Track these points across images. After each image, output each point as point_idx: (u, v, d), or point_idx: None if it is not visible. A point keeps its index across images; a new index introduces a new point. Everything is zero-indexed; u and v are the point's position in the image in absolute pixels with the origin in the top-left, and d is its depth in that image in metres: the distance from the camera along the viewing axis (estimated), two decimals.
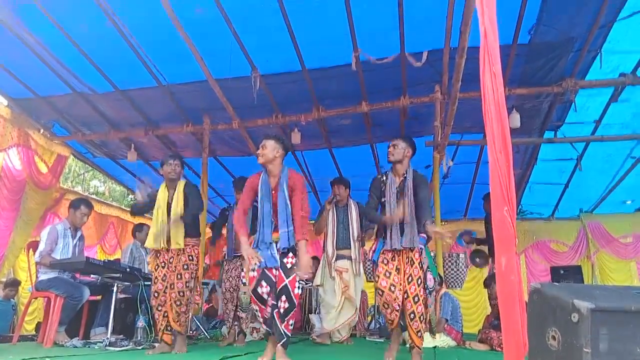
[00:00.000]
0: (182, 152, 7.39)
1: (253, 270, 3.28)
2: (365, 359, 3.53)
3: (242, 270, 3.97)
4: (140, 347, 4.06)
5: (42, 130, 6.63)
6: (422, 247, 3.38)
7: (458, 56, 3.80)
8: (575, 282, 6.27)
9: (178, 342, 3.80)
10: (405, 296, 3.22)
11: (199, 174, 6.87)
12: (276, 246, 3.32)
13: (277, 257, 3.27)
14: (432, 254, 5.01)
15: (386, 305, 3.27)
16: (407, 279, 3.24)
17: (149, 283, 4.42)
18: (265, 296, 3.22)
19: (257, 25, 4.73)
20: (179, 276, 3.83)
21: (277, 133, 3.53)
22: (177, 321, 3.80)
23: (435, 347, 4.52)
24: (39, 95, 6.01)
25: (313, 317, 5.72)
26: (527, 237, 9.00)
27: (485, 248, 6.40)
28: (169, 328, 3.82)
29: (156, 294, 3.83)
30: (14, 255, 6.32)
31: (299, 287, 3.27)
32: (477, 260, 6.44)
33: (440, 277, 5.33)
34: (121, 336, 4.41)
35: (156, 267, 3.89)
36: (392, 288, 3.24)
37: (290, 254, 3.30)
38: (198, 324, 5.45)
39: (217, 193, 8.65)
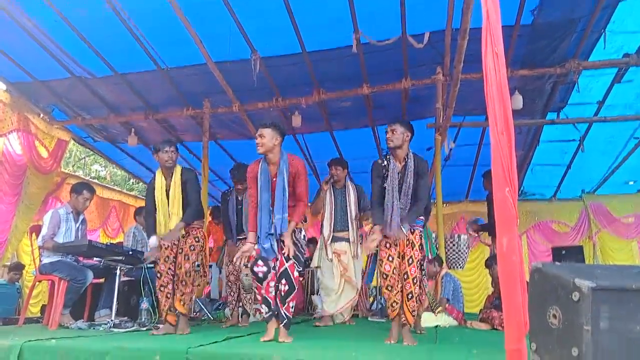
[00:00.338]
0: (183, 136, 7.39)
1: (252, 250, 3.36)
2: (367, 339, 3.56)
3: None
4: (144, 329, 4.10)
5: (41, 115, 6.62)
6: (422, 228, 3.39)
7: (460, 37, 3.76)
8: (577, 262, 6.29)
9: (181, 323, 3.84)
10: (405, 277, 3.25)
11: (199, 157, 6.87)
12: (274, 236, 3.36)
13: (275, 252, 3.31)
14: (433, 235, 5.02)
15: (390, 288, 3.29)
16: (408, 260, 3.26)
17: (152, 265, 4.46)
18: (261, 275, 3.28)
19: (256, 7, 4.68)
20: (186, 257, 3.86)
21: (273, 120, 3.51)
22: (182, 301, 3.84)
23: (437, 326, 4.56)
24: (38, 80, 5.99)
25: (315, 298, 5.77)
26: (529, 217, 9.02)
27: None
28: (172, 309, 3.86)
29: (159, 275, 3.88)
30: (17, 239, 6.37)
31: (297, 271, 3.33)
32: (472, 229, 6.44)
33: (441, 258, 5.36)
34: (125, 318, 4.46)
35: (160, 248, 3.92)
36: (395, 271, 3.28)
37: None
38: (201, 305, 5.50)
39: (217, 176, 8.66)
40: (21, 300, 6.31)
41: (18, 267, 6.52)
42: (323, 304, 4.94)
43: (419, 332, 3.92)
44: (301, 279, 6.31)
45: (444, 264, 5.36)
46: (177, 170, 4.02)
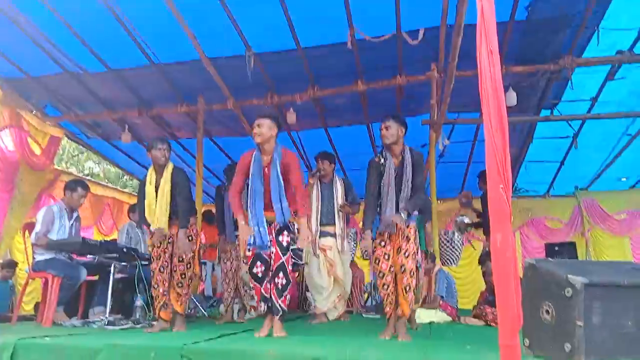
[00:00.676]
0: (177, 133, 7.36)
1: (248, 250, 3.40)
2: (361, 336, 3.58)
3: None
4: (138, 326, 4.10)
5: (34, 111, 6.56)
6: (416, 224, 3.41)
7: (455, 34, 3.77)
8: (570, 259, 6.34)
9: (177, 322, 3.85)
10: (402, 270, 3.26)
11: (193, 154, 6.84)
12: (271, 225, 3.38)
13: (267, 236, 3.33)
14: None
15: (386, 287, 3.31)
16: (404, 253, 3.27)
17: (146, 263, 4.45)
18: (260, 275, 3.36)
19: (250, 2, 4.66)
20: (179, 259, 3.86)
21: (271, 111, 3.56)
22: (178, 301, 3.85)
23: (431, 322, 4.58)
24: (30, 75, 5.93)
25: (310, 295, 5.78)
26: (523, 214, 9.07)
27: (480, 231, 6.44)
28: (166, 305, 3.86)
29: (152, 273, 3.88)
30: (10, 237, 6.32)
31: (292, 264, 3.38)
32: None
33: (433, 254, 5.38)
34: (119, 315, 4.45)
35: (152, 246, 3.92)
36: (392, 269, 3.30)
37: (285, 232, 3.37)
38: (196, 302, 5.50)
39: (212, 173, 8.64)
40: (14, 297, 6.28)
41: (11, 265, 6.48)
42: (315, 301, 4.95)
43: (414, 328, 3.94)
44: (296, 274, 6.32)
45: (438, 260, 5.38)
46: (169, 168, 4.01)
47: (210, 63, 5.29)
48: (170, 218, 3.90)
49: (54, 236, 4.60)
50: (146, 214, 3.92)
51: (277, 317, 3.29)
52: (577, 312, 2.03)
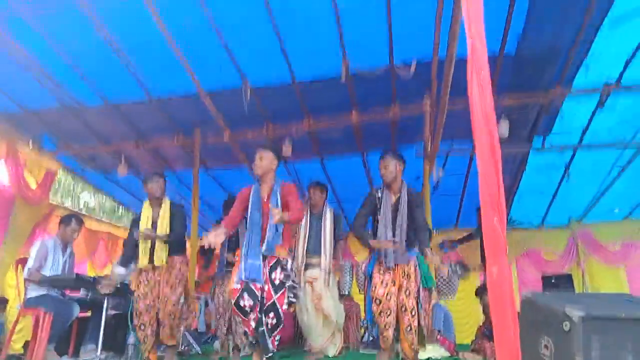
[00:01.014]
0: (173, 165, 7.37)
1: (237, 283, 3.31)
2: None
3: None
4: None
5: (30, 145, 6.57)
6: (416, 259, 3.39)
7: (446, 67, 3.84)
8: (567, 291, 6.30)
9: (168, 356, 3.77)
10: (403, 309, 3.21)
11: (189, 187, 6.84)
12: (265, 260, 3.34)
13: (263, 270, 3.28)
14: (426, 263, 5.01)
15: (382, 314, 3.25)
16: (405, 292, 3.24)
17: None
18: (247, 309, 3.25)
19: (247, 37, 4.75)
20: (172, 289, 3.80)
21: (272, 144, 3.62)
22: (171, 335, 3.77)
23: (428, 358, 4.50)
24: (27, 109, 5.97)
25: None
26: (518, 246, 9.02)
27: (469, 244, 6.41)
28: (154, 347, 3.79)
29: (138, 313, 3.78)
30: (2, 273, 6.22)
31: (287, 303, 3.31)
32: (459, 271, 6.44)
33: (431, 288, 5.32)
34: (111, 353, 4.36)
35: (138, 285, 3.85)
36: (389, 297, 3.25)
37: (279, 269, 3.33)
38: (189, 339, 5.39)
39: (208, 205, 8.60)
40: (3, 336, 6.13)
41: (1, 302, 6.36)
42: (308, 339, 4.80)
43: None
44: (292, 309, 6.22)
45: (435, 294, 5.32)
46: (166, 202, 4.02)
47: (206, 96, 5.36)
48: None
49: (47, 272, 4.54)
50: (140, 250, 3.86)
51: (266, 357, 3.21)
52: (575, 346, 2.00)
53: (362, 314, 6.77)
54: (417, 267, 3.36)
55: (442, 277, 5.60)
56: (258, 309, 3.25)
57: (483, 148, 2.20)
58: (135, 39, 4.71)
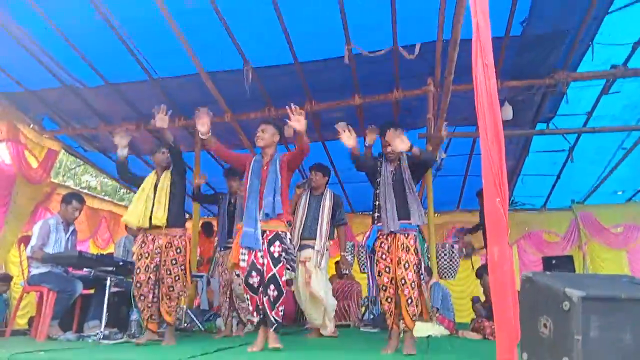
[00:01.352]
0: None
1: (243, 260, 3.37)
2: (358, 350, 3.55)
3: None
4: (134, 340, 4.06)
5: (31, 125, 6.57)
6: (416, 233, 3.39)
7: (450, 48, 3.80)
8: (567, 272, 6.33)
9: (167, 334, 3.83)
10: (403, 282, 3.22)
11: (191, 167, 6.84)
12: (264, 234, 3.37)
13: (260, 238, 3.35)
14: (425, 244, 5.03)
15: (389, 300, 3.28)
16: (404, 265, 3.24)
17: None
18: (256, 285, 3.34)
19: (248, 17, 4.70)
20: (167, 271, 3.84)
21: (274, 119, 3.67)
22: (168, 313, 3.83)
23: (428, 336, 4.55)
24: (28, 89, 5.95)
25: None
26: (520, 228, 9.07)
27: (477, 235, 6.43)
28: (153, 317, 3.86)
29: (138, 285, 3.85)
30: (6, 250, 6.29)
31: (286, 275, 3.36)
32: (469, 252, 6.47)
33: (430, 268, 5.35)
34: (115, 329, 4.41)
35: (139, 257, 3.89)
36: (394, 282, 3.28)
37: (277, 242, 3.36)
38: (192, 317, 5.46)
39: (210, 187, 8.62)
40: (8, 311, 6.22)
41: (6, 279, 6.43)
42: (308, 317, 4.81)
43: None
44: (292, 287, 6.27)
45: (434, 274, 5.36)
46: (170, 169, 4.11)
47: (208, 77, 5.32)
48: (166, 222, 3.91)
49: (49, 250, 4.58)
50: (139, 209, 3.91)
51: (272, 329, 3.27)
52: (575, 326, 2.02)
53: (364, 293, 6.84)
54: (417, 241, 3.35)
55: (444, 258, 5.64)
56: (263, 284, 3.32)
57: (486, 129, 2.19)
58: (136, 19, 4.66)
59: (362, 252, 6.41)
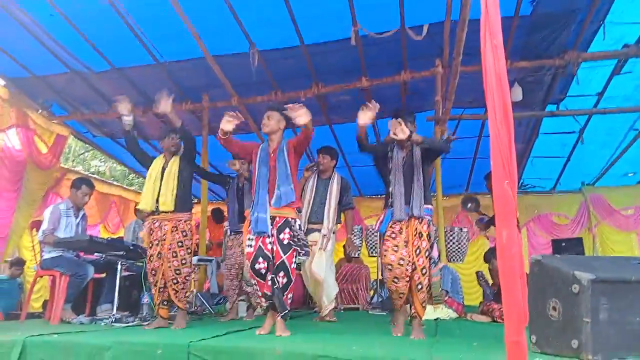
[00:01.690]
0: None
1: (250, 246, 3.38)
2: (367, 333, 3.58)
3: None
4: (145, 323, 4.12)
5: (40, 110, 6.60)
6: (430, 218, 3.38)
7: (459, 29, 3.75)
8: (577, 254, 6.31)
9: (178, 318, 3.87)
10: (414, 268, 3.22)
11: (199, 152, 6.85)
12: (273, 221, 3.37)
13: (269, 223, 3.35)
14: (434, 228, 5.02)
15: (396, 280, 3.25)
16: (416, 251, 3.23)
17: None
18: (263, 271, 3.34)
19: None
20: (174, 254, 3.85)
21: (280, 105, 3.63)
22: (177, 298, 3.86)
23: (437, 319, 4.57)
24: (36, 75, 5.96)
25: None
26: (529, 210, 9.02)
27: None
28: (165, 303, 3.89)
29: (153, 272, 3.89)
30: (18, 235, 6.37)
31: (295, 263, 3.36)
32: (469, 205, 6.43)
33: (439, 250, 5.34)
34: (127, 313, 4.47)
35: (150, 244, 3.92)
36: (402, 262, 3.22)
37: (287, 230, 3.35)
38: (202, 300, 5.52)
39: (217, 171, 8.64)
40: (23, 295, 6.34)
41: (19, 263, 6.53)
42: (317, 300, 4.82)
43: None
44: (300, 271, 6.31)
45: (442, 257, 5.36)
46: (179, 155, 4.12)
47: (214, 61, 5.30)
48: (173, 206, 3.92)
49: (60, 234, 4.63)
50: (147, 195, 3.93)
51: (280, 315, 3.28)
52: (584, 308, 2.01)
53: (372, 276, 6.87)
54: (430, 226, 3.34)
55: (452, 241, 5.63)
56: (271, 270, 3.33)
57: (495, 110, 2.16)
58: (142, 3, 4.63)
59: (370, 236, 6.42)
